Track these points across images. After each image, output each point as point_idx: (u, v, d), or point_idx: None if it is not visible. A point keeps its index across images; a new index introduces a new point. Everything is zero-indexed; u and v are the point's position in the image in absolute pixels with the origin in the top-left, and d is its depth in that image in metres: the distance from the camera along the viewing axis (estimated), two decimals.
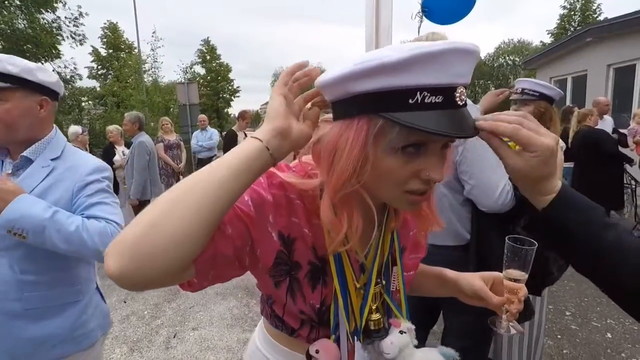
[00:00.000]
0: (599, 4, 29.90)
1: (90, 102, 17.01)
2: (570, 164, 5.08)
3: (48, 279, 1.19)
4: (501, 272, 0.78)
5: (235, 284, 3.80)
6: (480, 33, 63.13)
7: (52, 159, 1.25)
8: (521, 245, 0.74)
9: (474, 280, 0.82)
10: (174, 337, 3.01)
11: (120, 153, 5.61)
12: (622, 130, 5.45)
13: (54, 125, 1.34)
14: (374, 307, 0.71)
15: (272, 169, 0.64)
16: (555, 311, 3.24)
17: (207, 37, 36.08)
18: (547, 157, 0.59)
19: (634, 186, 4.84)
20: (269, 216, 0.64)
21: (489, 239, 1.46)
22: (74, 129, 5.54)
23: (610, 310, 3.21)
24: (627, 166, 4.69)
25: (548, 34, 31.56)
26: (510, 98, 2.18)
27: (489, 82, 37.66)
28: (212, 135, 6.08)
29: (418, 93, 0.53)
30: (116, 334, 3.05)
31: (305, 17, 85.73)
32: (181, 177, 5.54)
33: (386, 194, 0.62)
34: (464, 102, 0.57)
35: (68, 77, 15.85)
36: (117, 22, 21.12)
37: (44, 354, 1.18)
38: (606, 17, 28.53)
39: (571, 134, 4.76)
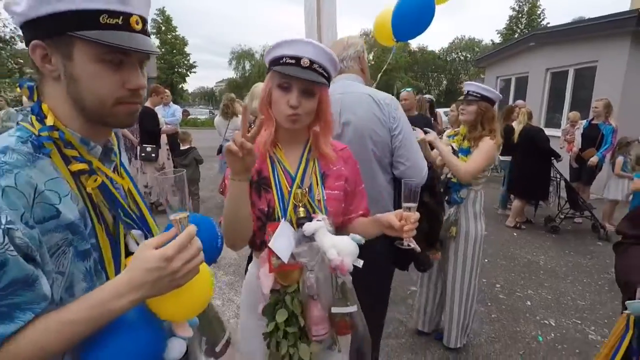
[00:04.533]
0: (543, 9, 32.14)
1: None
2: (508, 158, 5.69)
3: None
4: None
5: None
6: (436, 28, 64.97)
7: None
8: (409, 181, 1.12)
9: (389, 216, 1.14)
10: None
11: None
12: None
13: None
14: (300, 205, 1.16)
15: None
16: (487, 284, 3.75)
17: (163, 7, 33.91)
18: None
19: (558, 179, 5.53)
20: None
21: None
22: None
23: (531, 283, 3.78)
24: (554, 161, 5.36)
25: (497, 33, 33.49)
26: (458, 99, 2.55)
27: (442, 75, 39.34)
28: (175, 112, 5.91)
29: (285, 58, 1.13)
30: None
31: None
32: (138, 149, 5.36)
33: None
34: (308, 66, 1.10)
35: (7, 37, 14.19)
36: None
37: None
38: (548, 23, 30.85)
39: (517, 131, 5.31)
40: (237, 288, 3.42)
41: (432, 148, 2.42)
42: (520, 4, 32.76)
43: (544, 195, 5.42)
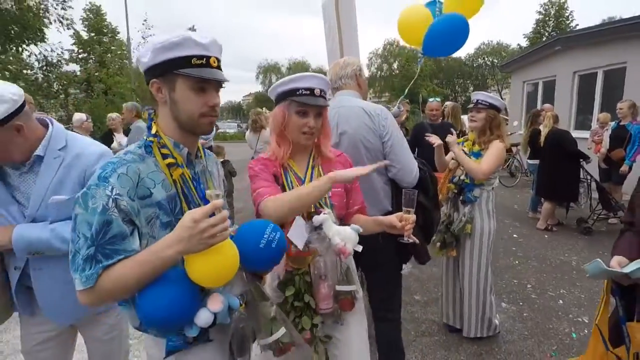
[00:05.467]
0: (571, 11, 31.30)
1: (75, 88, 16.46)
2: (536, 161, 5.74)
3: None
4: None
5: None
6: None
7: (59, 149, 1.38)
8: (408, 190, 1.38)
9: (390, 217, 1.40)
10: None
11: (118, 141, 5.66)
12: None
13: (48, 117, 1.44)
14: None
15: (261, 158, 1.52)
16: (518, 284, 3.83)
17: (193, 25, 35.76)
18: None
19: (589, 180, 5.51)
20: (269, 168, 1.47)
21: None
22: (79, 116, 5.61)
23: (563, 283, 3.83)
24: (583, 163, 5.36)
25: (524, 37, 32.83)
26: (467, 107, 2.74)
27: (467, 81, 38.86)
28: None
29: (300, 90, 1.41)
30: None
31: (293, 9, 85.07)
32: None
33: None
34: (319, 95, 1.40)
35: (55, 61, 15.36)
36: (100, 5, 20.13)
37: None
38: (577, 25, 29.96)
39: (543, 134, 5.38)
40: None
41: (447, 153, 2.64)
42: (547, 7, 32.10)
43: (573, 197, 5.41)
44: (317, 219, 1.36)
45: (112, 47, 20.00)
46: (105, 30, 20.13)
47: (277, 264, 1.20)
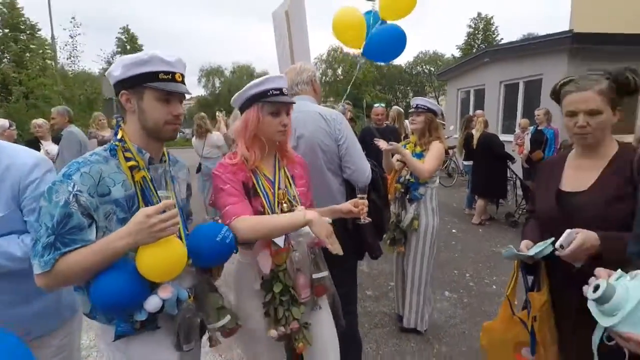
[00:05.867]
0: (497, 26, 34.50)
1: None
2: (470, 162, 6.31)
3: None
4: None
5: None
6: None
7: None
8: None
9: (345, 204, 1.60)
10: None
11: (45, 150, 5.03)
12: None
13: None
14: (283, 202, 1.52)
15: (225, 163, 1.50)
16: (459, 274, 4.21)
17: (127, 25, 33.75)
18: None
19: (515, 179, 6.18)
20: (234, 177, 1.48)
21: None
22: (0, 122, 5.09)
23: (496, 271, 4.29)
24: (509, 163, 6.01)
25: (457, 48, 35.51)
26: (409, 112, 3.01)
27: (408, 87, 40.97)
28: None
29: (271, 91, 1.47)
30: None
31: (238, 12, 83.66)
32: None
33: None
34: (286, 94, 1.48)
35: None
36: None
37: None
38: (502, 39, 33.06)
39: (475, 138, 5.94)
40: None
41: (393, 155, 2.86)
42: (476, 21, 35.06)
43: (503, 194, 6.05)
44: None
45: (32, 46, 17.95)
46: (22, 27, 18.09)
47: (225, 260, 1.33)
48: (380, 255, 2.23)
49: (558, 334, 1.39)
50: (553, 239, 1.25)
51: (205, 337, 1.42)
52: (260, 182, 1.50)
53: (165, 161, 1.35)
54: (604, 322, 0.87)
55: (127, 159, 1.20)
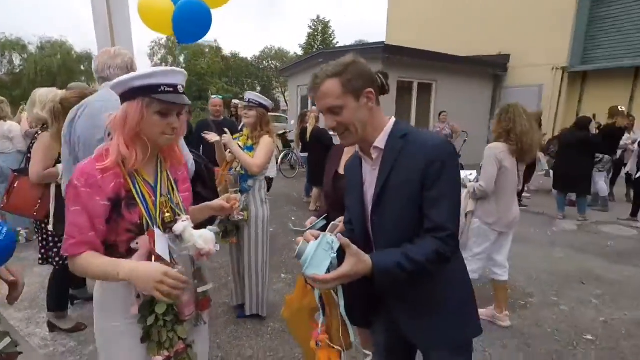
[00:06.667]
0: (333, 30, 38.13)
1: None
2: (306, 154, 6.90)
3: None
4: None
5: None
6: (249, 35, 67.75)
7: None
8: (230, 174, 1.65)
9: (218, 201, 1.55)
10: None
11: None
12: None
13: None
14: (165, 211, 1.32)
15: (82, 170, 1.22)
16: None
17: None
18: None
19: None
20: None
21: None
22: None
23: None
24: None
25: (300, 47, 37.74)
26: (240, 106, 3.13)
27: (255, 81, 41.42)
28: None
29: (163, 87, 1.22)
30: None
31: None
32: None
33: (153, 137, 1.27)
34: (183, 91, 1.27)
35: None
36: None
37: None
38: (337, 42, 36.74)
39: (309, 132, 6.50)
40: (38, 321, 3.14)
41: (227, 148, 2.93)
42: (316, 24, 37.91)
43: None
44: (178, 227, 1.28)
45: None
46: None
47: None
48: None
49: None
50: (326, 214, 1.53)
51: None
52: (138, 189, 1.27)
53: None
54: (304, 271, 1.13)
55: None
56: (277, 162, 9.24)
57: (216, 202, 1.54)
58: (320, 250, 1.13)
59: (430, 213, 1.17)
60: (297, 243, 1.18)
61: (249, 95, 3.00)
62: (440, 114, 8.65)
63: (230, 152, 2.96)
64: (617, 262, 4.60)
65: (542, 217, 6.56)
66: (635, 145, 6.62)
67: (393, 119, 1.31)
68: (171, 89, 1.23)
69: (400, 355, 1.49)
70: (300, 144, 6.97)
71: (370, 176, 1.32)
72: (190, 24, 3.02)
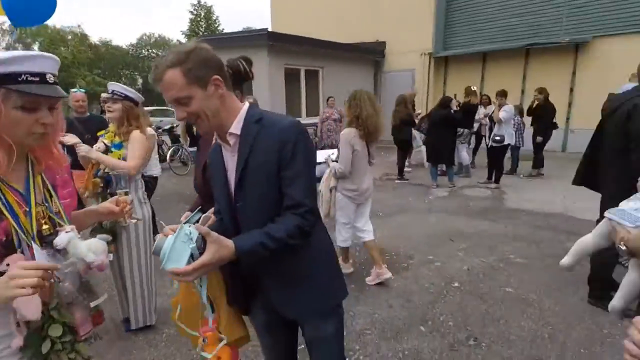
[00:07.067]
0: (217, 17, 36.45)
1: None
2: (195, 149, 6.55)
3: None
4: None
5: None
6: (121, 22, 60.81)
7: None
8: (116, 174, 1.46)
9: (105, 204, 1.41)
10: None
11: None
12: None
13: None
14: (43, 222, 1.11)
15: None
16: None
17: None
18: None
19: None
20: None
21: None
22: None
23: None
24: None
25: (182, 34, 35.24)
26: (101, 98, 2.82)
27: (135, 72, 37.56)
28: None
29: (25, 75, 0.99)
30: None
31: None
32: None
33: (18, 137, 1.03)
34: (53, 81, 1.06)
35: None
36: None
37: None
38: (223, 29, 35.35)
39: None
40: None
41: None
42: (197, 9, 35.71)
43: None
44: (60, 240, 1.09)
45: None
46: None
47: None
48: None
49: (225, 285, 1.57)
50: (200, 207, 1.49)
51: None
52: (4, 199, 1.04)
53: None
54: (163, 266, 1.10)
55: None
56: (167, 160, 8.62)
57: (104, 206, 1.40)
58: (178, 243, 1.09)
59: (288, 191, 1.22)
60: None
61: (113, 86, 2.69)
62: (328, 99, 9.02)
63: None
64: (476, 218, 5.49)
65: (420, 187, 7.42)
66: (487, 119, 7.88)
67: (247, 104, 1.32)
68: (37, 78, 1.02)
69: (280, 332, 1.54)
70: (189, 139, 6.57)
71: (231, 162, 1.32)
72: (23, 1, 2.55)
